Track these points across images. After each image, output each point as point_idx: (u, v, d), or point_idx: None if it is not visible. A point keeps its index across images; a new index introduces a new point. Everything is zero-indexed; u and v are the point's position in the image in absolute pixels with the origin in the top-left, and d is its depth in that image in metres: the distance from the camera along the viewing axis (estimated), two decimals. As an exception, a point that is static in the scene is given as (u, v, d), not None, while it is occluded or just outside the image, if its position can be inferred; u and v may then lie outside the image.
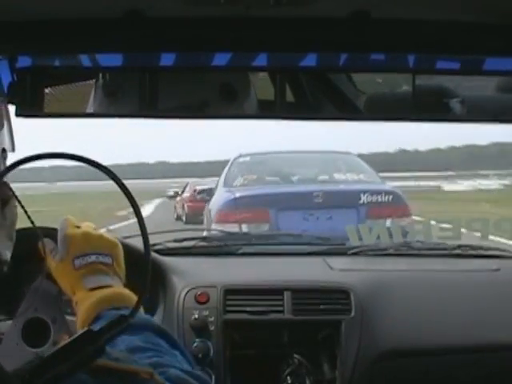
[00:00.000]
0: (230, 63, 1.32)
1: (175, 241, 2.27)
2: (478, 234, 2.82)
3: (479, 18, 1.25)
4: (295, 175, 6.69)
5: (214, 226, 5.87)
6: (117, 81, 1.35)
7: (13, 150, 0.87)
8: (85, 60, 1.31)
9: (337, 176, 6.64)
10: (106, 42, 1.31)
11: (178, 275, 1.88)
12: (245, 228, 5.79)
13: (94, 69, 1.33)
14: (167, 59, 1.33)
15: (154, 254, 1.94)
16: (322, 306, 1.82)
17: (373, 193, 6.01)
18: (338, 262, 2.08)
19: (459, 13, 1.23)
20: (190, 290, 1.83)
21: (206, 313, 1.78)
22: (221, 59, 1.32)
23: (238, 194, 6.30)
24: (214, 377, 1.73)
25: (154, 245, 2.14)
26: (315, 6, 1.17)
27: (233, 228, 5.59)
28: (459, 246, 2.31)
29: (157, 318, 1.79)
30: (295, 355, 1.78)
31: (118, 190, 0.77)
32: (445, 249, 2.30)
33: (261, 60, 1.32)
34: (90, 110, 1.38)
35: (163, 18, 1.26)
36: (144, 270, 0.80)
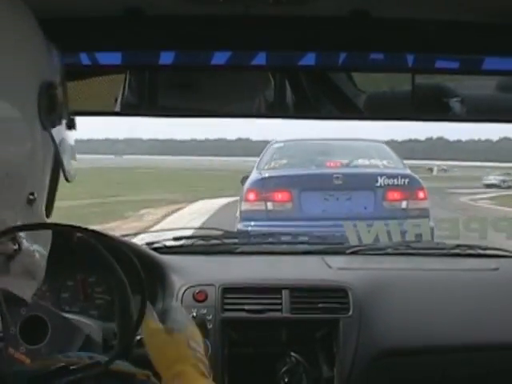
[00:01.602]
0: (230, 62, 1.32)
1: (174, 239, 2.27)
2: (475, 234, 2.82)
3: (478, 17, 1.25)
4: (323, 160, 7.00)
5: (243, 205, 6.30)
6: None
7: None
8: (84, 58, 1.31)
9: (361, 161, 6.90)
10: (105, 40, 1.31)
11: (176, 273, 1.88)
12: (270, 206, 6.22)
13: (92, 67, 1.33)
14: (167, 57, 1.33)
15: (152, 253, 1.95)
16: (320, 305, 1.82)
17: (389, 176, 6.30)
18: (336, 261, 2.08)
19: (458, 12, 1.24)
20: (188, 288, 1.83)
21: (204, 311, 1.78)
22: (220, 58, 1.32)
23: (264, 175, 6.69)
24: (211, 375, 1.73)
25: (153, 243, 2.14)
26: (315, 5, 1.18)
27: (259, 206, 6.18)
28: (458, 246, 2.31)
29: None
30: (293, 354, 1.78)
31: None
32: (443, 248, 2.31)
33: (260, 59, 1.32)
34: (116, 108, 1.39)
35: (163, 16, 1.26)
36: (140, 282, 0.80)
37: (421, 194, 6.34)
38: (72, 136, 0.86)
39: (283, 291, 1.83)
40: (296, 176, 6.47)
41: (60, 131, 0.79)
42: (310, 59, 1.32)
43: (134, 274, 0.87)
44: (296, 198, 6.23)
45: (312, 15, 1.25)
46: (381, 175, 6.32)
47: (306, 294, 1.85)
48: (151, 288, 1.85)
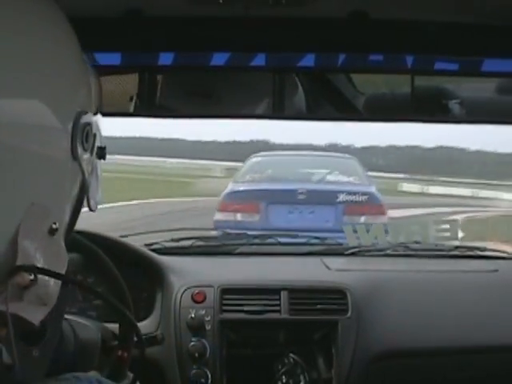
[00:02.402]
0: (229, 63, 1.32)
1: (173, 240, 2.27)
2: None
3: (477, 19, 1.25)
4: (295, 175, 7.68)
5: (216, 215, 6.95)
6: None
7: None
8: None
9: (329, 177, 7.64)
10: (105, 40, 1.31)
11: (175, 274, 1.88)
12: (239, 217, 6.87)
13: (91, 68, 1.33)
14: (166, 58, 1.33)
15: (151, 254, 1.95)
16: (318, 306, 1.82)
17: (350, 193, 6.95)
18: (335, 262, 2.08)
19: (457, 14, 1.24)
20: (186, 289, 1.83)
21: (202, 312, 1.78)
22: (220, 59, 1.32)
23: (236, 188, 7.38)
24: (210, 376, 1.73)
25: (152, 244, 2.14)
26: (314, 6, 1.18)
27: (229, 217, 6.81)
28: (457, 247, 2.31)
29: (154, 317, 1.79)
30: (291, 355, 1.78)
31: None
32: (442, 249, 2.30)
33: (259, 60, 1.32)
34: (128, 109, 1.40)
35: (163, 17, 1.26)
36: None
37: (379, 210, 6.92)
38: (100, 165, 0.85)
39: (282, 292, 1.83)
40: (264, 190, 7.10)
41: (90, 160, 0.79)
42: (309, 60, 1.33)
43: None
44: (263, 210, 6.82)
45: (311, 16, 1.25)
46: (342, 192, 6.94)
47: (304, 295, 1.85)
48: (150, 289, 1.85)
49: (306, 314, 1.82)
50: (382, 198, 7.23)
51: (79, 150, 0.74)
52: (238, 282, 1.90)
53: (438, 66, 1.34)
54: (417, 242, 2.46)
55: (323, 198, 6.86)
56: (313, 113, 1.42)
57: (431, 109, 1.39)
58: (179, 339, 1.75)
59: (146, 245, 2.10)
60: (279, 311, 1.81)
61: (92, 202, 0.82)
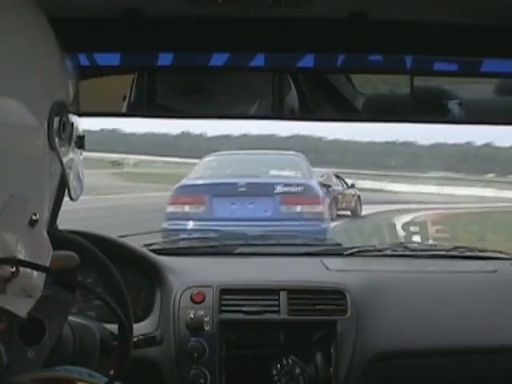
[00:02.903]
0: (228, 63, 1.32)
1: (172, 240, 2.27)
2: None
3: (477, 19, 1.25)
4: (244, 171, 8.35)
5: (168, 207, 7.71)
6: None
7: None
8: (82, 59, 1.31)
9: (272, 172, 8.33)
10: (104, 41, 1.31)
11: (174, 275, 1.88)
12: (187, 209, 7.60)
13: (91, 68, 1.33)
14: (165, 59, 1.33)
15: (150, 254, 1.95)
16: (317, 307, 1.82)
17: (286, 185, 7.64)
18: (334, 263, 2.08)
19: (457, 15, 1.24)
20: (185, 289, 1.83)
21: (201, 312, 1.78)
22: (219, 59, 1.32)
23: (184, 183, 8.27)
24: (209, 376, 1.73)
25: (151, 244, 2.14)
26: (313, 7, 1.18)
27: (178, 209, 7.57)
28: (456, 248, 2.31)
29: (153, 318, 1.79)
30: (290, 355, 1.77)
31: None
32: (441, 250, 2.30)
33: (258, 60, 1.32)
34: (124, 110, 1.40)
35: (162, 17, 1.26)
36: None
37: (315, 201, 7.59)
38: (80, 154, 0.85)
39: (281, 293, 1.83)
40: (208, 184, 7.87)
41: (68, 150, 0.79)
42: (308, 61, 1.33)
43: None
44: (208, 202, 7.53)
45: (310, 17, 1.25)
46: (279, 184, 7.62)
47: (303, 295, 1.85)
48: (149, 289, 1.85)
49: (305, 314, 1.82)
50: (320, 190, 7.97)
51: (56, 140, 0.74)
52: (237, 282, 1.90)
53: (438, 66, 1.34)
54: (416, 243, 2.46)
55: (262, 189, 7.56)
56: (312, 113, 1.42)
57: (430, 109, 1.39)
58: (178, 339, 1.75)
59: (145, 245, 2.10)
60: (278, 312, 1.81)
61: (73, 192, 0.82)
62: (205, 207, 7.52)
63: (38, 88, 0.73)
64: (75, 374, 0.78)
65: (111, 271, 1.46)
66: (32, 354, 0.91)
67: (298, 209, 7.48)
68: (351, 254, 2.22)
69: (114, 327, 1.35)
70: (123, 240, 1.98)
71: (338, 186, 14.21)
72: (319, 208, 7.55)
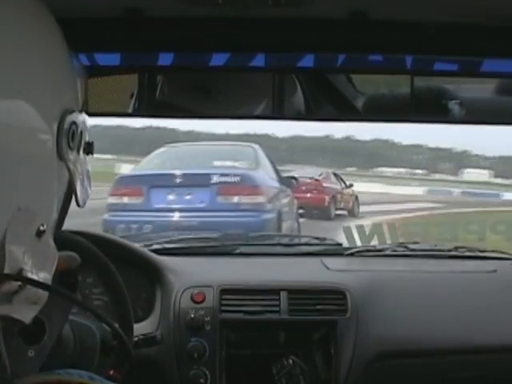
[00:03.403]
0: (228, 63, 1.32)
1: (172, 241, 2.27)
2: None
3: (477, 19, 1.25)
4: (189, 162, 8.25)
5: (108, 199, 7.68)
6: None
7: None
8: (83, 59, 1.31)
9: (216, 163, 8.16)
10: (104, 41, 1.31)
11: (174, 275, 1.88)
12: (126, 200, 7.56)
13: (91, 68, 1.33)
14: (166, 59, 1.33)
15: (150, 254, 1.95)
16: (317, 307, 1.82)
17: (222, 175, 7.50)
18: (334, 263, 2.08)
19: (457, 15, 1.24)
20: (186, 289, 1.83)
21: (201, 312, 1.78)
22: (219, 59, 1.32)
23: (123, 175, 8.40)
24: (209, 376, 1.73)
25: (151, 244, 2.14)
26: (313, 7, 1.18)
27: (118, 200, 7.54)
28: (456, 248, 2.31)
29: (153, 318, 1.79)
30: (291, 355, 1.77)
31: None
32: (441, 250, 2.30)
33: (258, 60, 1.32)
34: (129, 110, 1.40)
35: (162, 17, 1.26)
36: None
37: (254, 191, 7.44)
38: (88, 161, 0.85)
39: (281, 293, 1.83)
40: (146, 175, 7.78)
41: (76, 158, 0.78)
42: (308, 61, 1.33)
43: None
44: (146, 193, 7.44)
45: (311, 17, 1.25)
46: (215, 174, 7.48)
47: (304, 295, 1.85)
48: (149, 289, 1.85)
49: (306, 314, 1.82)
50: (263, 182, 7.74)
51: (65, 149, 0.74)
52: (238, 282, 1.90)
53: (438, 66, 1.34)
54: (416, 243, 2.46)
55: (198, 180, 7.43)
56: (312, 113, 1.42)
57: (431, 109, 1.39)
58: (178, 339, 1.75)
59: (146, 245, 2.10)
60: (278, 311, 1.81)
61: (80, 199, 0.81)
62: (143, 198, 7.47)
63: (49, 93, 0.72)
64: (76, 378, 0.78)
65: (112, 271, 1.46)
66: (32, 354, 0.91)
67: (236, 199, 7.39)
68: (351, 254, 2.22)
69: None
70: (124, 240, 1.98)
71: (336, 185, 14.16)
72: (259, 199, 7.44)
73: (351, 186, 14.88)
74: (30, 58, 0.70)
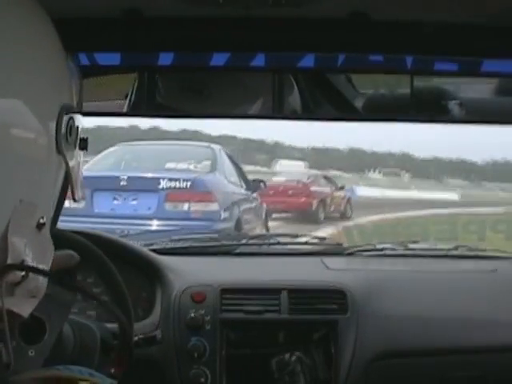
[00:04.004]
0: (228, 63, 1.32)
1: (172, 240, 2.27)
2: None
3: (477, 19, 1.25)
4: (142, 163, 7.69)
5: None
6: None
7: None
8: (83, 59, 1.31)
9: (168, 165, 7.54)
10: (104, 40, 1.31)
11: (174, 274, 1.88)
12: (67, 204, 6.54)
13: (91, 68, 1.33)
14: (166, 59, 1.33)
15: (151, 253, 1.95)
16: (318, 306, 1.82)
17: (171, 179, 6.90)
18: (334, 262, 2.08)
19: (457, 15, 1.24)
20: (186, 288, 1.83)
21: (202, 312, 1.78)
22: (219, 59, 1.32)
23: None
24: (209, 375, 1.73)
25: (151, 244, 2.14)
26: (314, 7, 1.18)
27: None
28: (456, 247, 2.31)
29: (153, 317, 1.79)
30: (291, 355, 1.78)
31: None
32: (442, 249, 2.31)
33: (259, 60, 1.33)
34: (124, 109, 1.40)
35: (162, 17, 1.26)
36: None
37: (205, 198, 6.83)
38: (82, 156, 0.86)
39: (281, 292, 1.83)
40: (88, 177, 6.89)
41: (73, 153, 0.80)
42: (308, 61, 1.33)
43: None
44: (88, 197, 6.76)
45: (311, 17, 1.25)
46: (163, 178, 6.88)
47: (304, 295, 1.85)
48: (149, 289, 1.85)
49: (306, 313, 1.82)
50: (218, 187, 7.12)
51: (63, 144, 0.75)
52: (238, 281, 1.90)
53: (438, 66, 1.34)
54: (416, 242, 2.46)
55: (145, 184, 6.87)
56: (312, 113, 1.43)
57: (431, 109, 1.39)
58: (179, 339, 1.75)
59: (146, 245, 2.10)
60: (279, 311, 1.81)
61: (76, 194, 0.82)
62: (85, 202, 6.71)
63: (46, 91, 0.73)
64: (76, 374, 0.78)
65: (112, 271, 1.46)
66: (33, 353, 0.92)
67: (185, 207, 6.78)
68: (351, 254, 2.23)
69: (114, 327, 1.35)
70: (124, 240, 1.98)
71: (326, 188, 13.93)
72: (212, 206, 6.78)
73: (342, 188, 14.42)
74: (26, 57, 0.71)
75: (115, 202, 6.84)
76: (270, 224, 8.89)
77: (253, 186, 8.05)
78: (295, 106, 1.39)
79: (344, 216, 13.74)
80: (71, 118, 0.76)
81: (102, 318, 1.58)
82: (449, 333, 1.85)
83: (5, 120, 0.67)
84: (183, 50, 1.32)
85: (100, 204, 6.80)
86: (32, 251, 0.71)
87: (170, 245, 2.20)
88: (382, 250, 2.29)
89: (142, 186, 6.85)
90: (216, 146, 7.98)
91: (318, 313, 1.82)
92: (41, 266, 0.73)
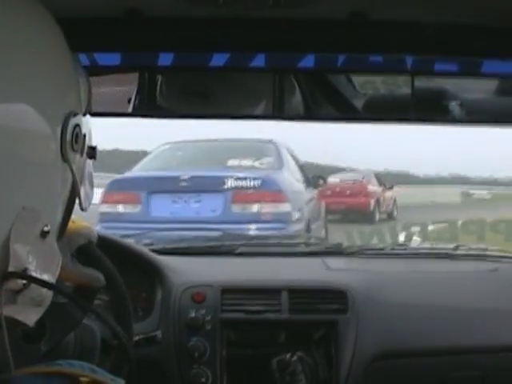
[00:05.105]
0: (228, 63, 1.32)
1: (172, 240, 2.27)
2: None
3: (478, 20, 1.25)
4: (198, 161, 6.99)
5: (100, 207, 6.26)
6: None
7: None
8: (83, 59, 1.31)
9: (230, 162, 6.82)
10: (104, 41, 1.31)
11: (175, 274, 1.88)
12: (121, 209, 6.23)
13: (91, 68, 1.33)
14: (166, 59, 1.33)
15: (151, 253, 1.95)
16: (318, 306, 1.82)
17: (239, 178, 6.20)
18: (335, 262, 2.08)
19: (457, 15, 1.24)
20: (186, 288, 1.83)
21: (202, 312, 1.78)
22: (219, 59, 1.32)
23: (117, 178, 6.87)
24: (210, 375, 1.73)
25: (151, 244, 2.14)
26: (313, 8, 1.18)
27: (111, 209, 6.19)
28: (457, 247, 2.31)
29: (153, 317, 1.79)
30: (291, 355, 1.78)
31: None
32: (441, 250, 2.30)
33: (259, 60, 1.33)
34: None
35: (162, 17, 1.26)
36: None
37: (276, 198, 6.16)
38: (91, 164, 0.85)
39: (282, 292, 1.83)
40: (144, 178, 6.42)
41: (80, 161, 0.79)
42: (309, 61, 1.33)
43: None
44: (145, 200, 6.17)
45: (311, 17, 1.25)
46: (230, 177, 6.21)
47: (304, 295, 1.85)
48: (150, 289, 1.85)
49: (306, 313, 1.82)
50: (288, 185, 6.43)
51: (69, 151, 0.74)
52: (238, 281, 1.90)
53: (438, 67, 1.34)
54: (416, 243, 2.46)
55: (209, 184, 6.16)
56: (313, 113, 1.43)
57: (431, 110, 1.39)
58: (179, 339, 1.75)
59: (146, 244, 2.10)
60: (279, 311, 1.81)
61: (83, 202, 0.82)
62: (141, 206, 6.15)
63: (52, 96, 0.73)
64: (78, 369, 0.78)
65: (112, 271, 1.46)
66: (28, 352, 0.92)
67: (255, 208, 6.09)
68: (352, 254, 2.22)
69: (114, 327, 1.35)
70: (124, 240, 1.98)
71: (378, 188, 13.45)
72: (284, 207, 6.11)
73: (391, 187, 13.95)
74: (32, 60, 0.71)
75: (175, 205, 6.14)
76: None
77: (312, 182, 7.36)
78: (296, 106, 1.39)
79: (391, 216, 13.36)
80: (77, 125, 0.76)
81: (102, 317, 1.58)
82: (449, 333, 1.84)
83: (9, 124, 0.67)
84: (183, 50, 1.32)
85: (158, 207, 6.10)
86: (36, 259, 0.71)
87: (170, 245, 2.20)
88: (382, 250, 2.30)
89: (205, 187, 6.14)
90: (277, 141, 7.22)
91: (318, 313, 1.82)
92: (45, 276, 0.73)
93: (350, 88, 1.41)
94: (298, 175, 7.07)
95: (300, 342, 1.82)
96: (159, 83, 1.39)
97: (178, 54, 1.33)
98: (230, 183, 6.16)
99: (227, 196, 6.11)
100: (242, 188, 6.15)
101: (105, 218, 6.10)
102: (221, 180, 6.17)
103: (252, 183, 6.19)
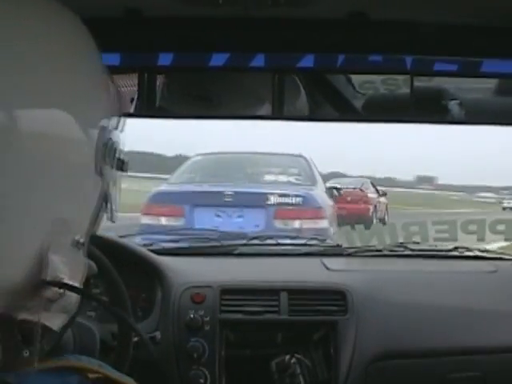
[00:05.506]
0: (228, 63, 1.32)
1: (172, 241, 2.27)
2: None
3: (477, 20, 1.25)
4: (235, 175, 7.11)
5: (141, 219, 6.44)
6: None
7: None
8: None
9: (267, 177, 7.09)
10: (104, 41, 1.31)
11: (174, 275, 1.88)
12: (164, 221, 6.32)
13: None
14: (165, 59, 1.33)
15: (150, 254, 1.95)
16: (317, 307, 1.82)
17: (281, 195, 6.39)
18: (334, 263, 2.08)
19: (457, 15, 1.24)
20: (186, 289, 1.82)
21: (201, 312, 1.78)
22: (219, 59, 1.32)
23: (161, 190, 7.05)
24: (208, 376, 1.73)
25: (151, 244, 2.14)
26: (313, 8, 1.18)
27: (154, 221, 6.27)
28: (456, 248, 2.30)
29: (153, 318, 1.79)
30: (290, 355, 1.77)
31: None
32: (441, 250, 2.30)
33: (258, 60, 1.33)
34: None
35: (162, 18, 1.26)
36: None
37: (316, 214, 6.34)
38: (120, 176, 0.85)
39: (281, 293, 1.83)
40: (189, 192, 6.58)
41: (111, 173, 0.78)
42: (308, 61, 1.33)
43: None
44: (188, 213, 6.30)
45: (311, 17, 1.25)
46: (272, 194, 6.37)
47: (303, 295, 1.85)
48: (149, 289, 1.85)
49: (305, 314, 1.82)
50: (324, 201, 6.67)
51: (102, 163, 0.74)
52: (238, 282, 1.90)
53: (438, 66, 1.34)
54: (416, 243, 2.46)
55: (252, 200, 6.33)
56: (312, 113, 1.43)
57: (430, 109, 1.39)
58: (178, 339, 1.75)
59: (145, 245, 2.10)
60: (278, 312, 1.80)
61: (113, 215, 0.82)
62: (184, 219, 6.22)
63: (89, 104, 0.72)
64: (86, 363, 0.78)
65: (111, 271, 1.46)
66: (27, 354, 0.91)
67: (297, 224, 6.20)
68: (351, 254, 2.22)
69: (113, 327, 1.35)
70: (123, 240, 1.98)
71: (374, 195, 13.57)
72: (323, 223, 6.24)
73: (385, 194, 14.14)
74: (67, 66, 0.71)
75: (218, 219, 6.22)
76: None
77: (328, 193, 7.38)
78: (295, 106, 1.39)
79: (383, 222, 13.49)
80: (111, 139, 0.75)
81: (102, 318, 1.58)
82: (449, 333, 1.84)
83: (46, 131, 0.66)
84: (183, 50, 1.32)
85: (202, 221, 6.07)
86: (68, 269, 0.72)
87: (170, 245, 2.20)
88: (381, 250, 2.29)
89: (249, 202, 6.30)
90: (306, 156, 7.41)
91: (317, 313, 1.81)
92: (76, 284, 0.74)
93: (350, 88, 1.41)
94: (324, 188, 7.27)
95: (299, 342, 1.81)
96: (159, 83, 1.39)
97: (177, 54, 1.33)
98: (272, 199, 6.34)
99: (270, 212, 6.28)
100: (284, 204, 6.34)
101: (146, 229, 5.99)
102: (264, 196, 6.35)
103: (294, 200, 6.37)
